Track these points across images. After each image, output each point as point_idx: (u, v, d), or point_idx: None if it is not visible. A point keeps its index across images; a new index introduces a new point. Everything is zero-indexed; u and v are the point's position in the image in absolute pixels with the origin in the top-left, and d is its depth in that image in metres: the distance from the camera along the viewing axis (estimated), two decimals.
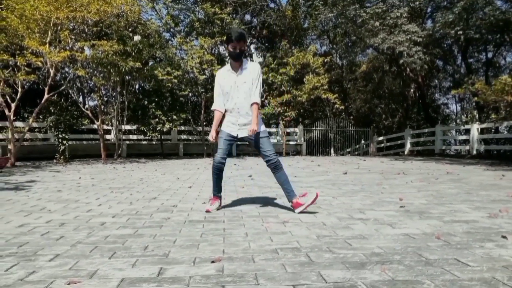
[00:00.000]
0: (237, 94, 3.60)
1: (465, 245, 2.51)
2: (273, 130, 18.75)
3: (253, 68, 3.65)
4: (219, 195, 3.82)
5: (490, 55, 21.66)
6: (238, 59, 3.60)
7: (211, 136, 3.63)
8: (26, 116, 14.36)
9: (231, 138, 3.66)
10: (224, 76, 3.68)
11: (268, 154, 3.58)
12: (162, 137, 15.28)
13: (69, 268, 2.11)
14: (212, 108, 3.77)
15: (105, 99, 15.00)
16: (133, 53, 12.61)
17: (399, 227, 3.04)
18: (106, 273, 2.04)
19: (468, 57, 21.30)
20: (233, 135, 3.65)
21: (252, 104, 3.58)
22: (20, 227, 3.08)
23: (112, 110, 13.93)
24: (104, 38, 12.39)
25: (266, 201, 4.24)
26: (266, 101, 16.10)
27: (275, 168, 3.61)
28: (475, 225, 3.10)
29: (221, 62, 15.63)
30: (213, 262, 2.20)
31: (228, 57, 3.79)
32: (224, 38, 15.74)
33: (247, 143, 3.76)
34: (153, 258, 2.28)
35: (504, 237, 2.69)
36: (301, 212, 3.54)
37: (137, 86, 16.21)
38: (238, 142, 3.80)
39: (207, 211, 3.65)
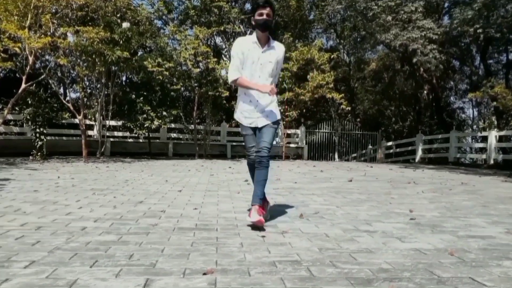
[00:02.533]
0: (259, 73, 3.46)
1: (481, 263, 2.52)
2: None
3: (280, 49, 3.56)
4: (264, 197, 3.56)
5: (511, 56, 21.79)
6: (265, 28, 3.41)
7: (269, 89, 3.36)
8: (0, 107, 14.32)
9: (254, 128, 3.54)
10: (248, 47, 3.47)
11: (265, 145, 3.43)
12: (150, 135, 15.28)
13: (46, 277, 2.10)
14: (231, 79, 3.49)
15: (89, 91, 14.97)
16: (121, 42, 12.60)
17: (409, 241, 3.05)
18: (87, 283, 2.03)
19: (487, 58, 21.42)
20: (254, 127, 3.54)
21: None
22: None
23: (96, 104, 13.90)
24: (90, 24, 12.37)
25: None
26: None
27: (263, 163, 3.43)
28: (492, 241, 3.11)
29: (218, 54, 15.66)
30: (204, 274, 2.20)
31: (249, 31, 3.61)
32: (222, 28, 15.58)
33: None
34: (139, 268, 2.28)
35: None
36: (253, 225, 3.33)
37: (124, 78, 16.23)
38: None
39: (260, 222, 3.26)
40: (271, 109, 3.54)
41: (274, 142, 17.48)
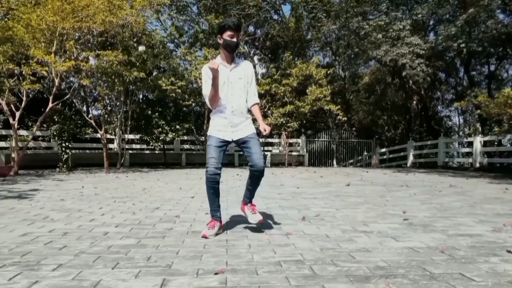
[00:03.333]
0: (231, 91, 3.23)
1: (470, 260, 2.49)
2: (275, 140, 18.78)
3: (248, 65, 3.37)
4: (219, 216, 3.27)
5: (492, 68, 21.75)
6: (233, 50, 3.27)
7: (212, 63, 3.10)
8: (30, 124, 14.45)
9: (223, 143, 3.23)
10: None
11: (258, 157, 3.17)
12: (165, 147, 15.33)
13: (72, 278, 2.11)
14: (205, 93, 3.22)
15: (109, 108, 15.08)
16: (138, 63, 12.72)
17: (403, 240, 3.02)
18: (109, 283, 2.03)
19: (470, 70, 21.36)
20: (227, 140, 3.23)
21: (253, 105, 3.32)
22: (23, 236, 3.08)
23: (116, 120, 13.99)
24: (109, 48, 12.52)
25: (269, 212, 4.22)
26: (269, 111, 16.15)
27: (260, 176, 3.23)
28: (480, 239, 3.08)
29: None
30: (216, 274, 2.19)
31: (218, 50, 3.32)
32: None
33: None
34: (156, 269, 2.28)
35: (509, 251, 2.67)
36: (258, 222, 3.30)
37: (140, 96, 16.32)
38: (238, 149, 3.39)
39: (204, 237, 3.08)
40: (245, 125, 3.28)
41: (277, 151, 17.41)
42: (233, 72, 3.26)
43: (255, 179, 3.27)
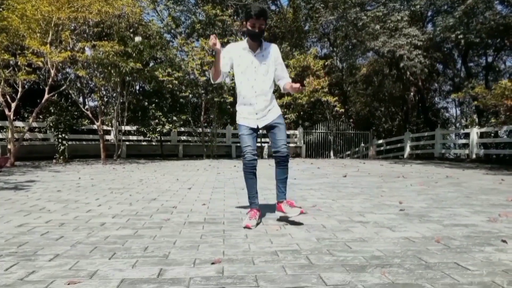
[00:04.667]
0: (255, 76, 3.22)
1: (465, 249, 2.51)
2: None
3: (274, 49, 3.32)
4: (257, 203, 3.30)
5: (490, 59, 21.74)
6: (256, 39, 3.21)
7: (213, 40, 3.14)
8: (26, 116, 14.40)
9: (253, 131, 3.26)
10: (239, 53, 3.27)
11: (281, 144, 3.21)
12: (162, 138, 15.31)
13: (69, 268, 2.11)
14: (211, 75, 3.33)
15: (105, 99, 15.02)
16: (134, 54, 12.64)
17: (399, 230, 3.04)
18: (106, 273, 2.04)
19: (468, 61, 21.36)
20: (253, 127, 3.25)
21: (286, 83, 3.31)
22: (19, 227, 3.08)
23: (112, 111, 13.94)
24: (105, 38, 12.42)
25: (266, 203, 4.23)
26: None
27: (283, 162, 3.23)
28: (475, 229, 3.10)
29: None
30: (213, 263, 2.20)
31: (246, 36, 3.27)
32: (225, 40, 15.60)
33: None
34: (153, 259, 2.28)
35: (503, 241, 2.69)
36: (280, 220, 3.33)
37: (137, 87, 16.25)
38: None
39: (246, 227, 3.06)
40: (270, 107, 3.30)
41: None
42: (258, 57, 3.24)
43: (280, 166, 3.26)
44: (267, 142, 17.81)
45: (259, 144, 16.11)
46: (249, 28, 3.15)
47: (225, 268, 2.11)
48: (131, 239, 2.72)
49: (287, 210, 3.20)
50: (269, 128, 3.30)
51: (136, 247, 2.53)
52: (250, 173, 3.24)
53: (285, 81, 3.36)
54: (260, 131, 3.37)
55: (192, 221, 3.34)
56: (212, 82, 3.44)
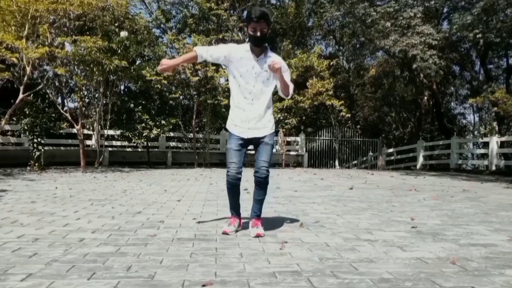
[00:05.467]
0: (254, 83, 3.36)
1: (483, 272, 2.51)
2: None
3: (278, 59, 3.44)
4: (239, 213, 3.62)
5: (511, 61, 21.87)
6: (258, 44, 3.33)
7: (162, 64, 3.42)
8: None
9: (242, 142, 3.43)
10: (241, 54, 3.39)
11: (263, 164, 3.39)
12: (149, 144, 15.28)
13: None
14: (194, 48, 3.54)
15: (87, 100, 15.01)
16: (119, 51, 12.65)
17: (411, 250, 3.04)
18: None
19: (487, 63, 21.51)
20: (243, 138, 3.42)
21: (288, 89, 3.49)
22: None
23: (94, 113, 13.93)
24: (88, 33, 12.43)
25: (263, 218, 4.22)
26: None
27: (262, 183, 3.44)
28: (494, 249, 3.10)
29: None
30: (204, 286, 2.19)
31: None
32: (220, 36, 15.66)
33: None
34: (137, 280, 2.27)
35: None
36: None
37: (122, 87, 16.26)
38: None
39: (224, 233, 3.41)
40: (265, 121, 3.44)
41: (274, 150, 17.52)
42: (260, 63, 3.38)
43: (257, 186, 3.49)
44: None
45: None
46: (250, 32, 3.27)
47: None
48: (113, 257, 2.71)
49: (250, 228, 3.51)
50: (257, 143, 3.47)
51: (118, 266, 2.52)
52: (232, 189, 3.50)
53: (289, 87, 3.53)
54: (249, 146, 3.54)
55: (181, 238, 3.33)
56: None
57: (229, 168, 3.40)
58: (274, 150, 3.66)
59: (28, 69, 11.06)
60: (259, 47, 3.36)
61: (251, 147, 3.57)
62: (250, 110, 3.39)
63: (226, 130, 3.56)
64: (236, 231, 3.50)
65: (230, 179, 3.41)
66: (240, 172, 3.40)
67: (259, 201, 3.54)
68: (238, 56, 3.39)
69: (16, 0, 10.46)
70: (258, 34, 3.25)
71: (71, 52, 11.82)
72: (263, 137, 3.43)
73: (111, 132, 15.25)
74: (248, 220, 3.65)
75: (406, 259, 2.78)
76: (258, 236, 3.34)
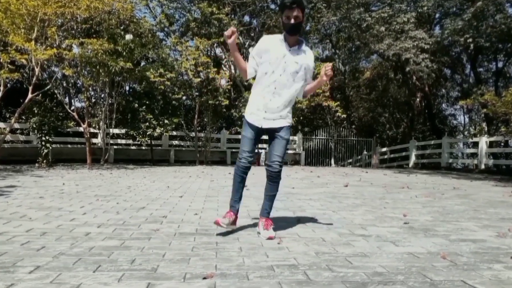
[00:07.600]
0: (281, 72, 3.11)
1: (473, 266, 2.52)
2: None
3: (310, 55, 3.22)
4: (237, 209, 3.31)
5: (500, 64, 21.91)
6: (292, 32, 3.09)
7: (229, 32, 3.08)
8: (8, 116, 14.34)
9: (256, 131, 3.21)
10: (274, 42, 3.16)
11: (277, 159, 3.18)
12: (153, 142, 15.26)
13: (51, 282, 2.09)
14: (246, 78, 3.33)
15: (93, 100, 14.99)
16: (124, 53, 12.64)
17: (403, 245, 3.04)
18: (90, 287, 2.02)
19: (477, 66, 21.51)
20: (257, 126, 3.19)
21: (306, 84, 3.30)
22: None
23: (100, 113, 13.91)
24: (94, 36, 12.43)
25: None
26: None
27: (275, 178, 3.24)
28: (483, 244, 3.11)
29: (217, 64, 15.67)
30: (204, 278, 2.19)
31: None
32: (222, 39, 15.67)
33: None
34: (141, 272, 2.27)
35: None
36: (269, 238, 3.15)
37: (127, 88, 16.23)
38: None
39: (216, 223, 3.16)
40: (282, 114, 3.20)
41: None
42: (292, 54, 3.13)
43: (270, 181, 3.29)
44: (264, 149, 17.83)
45: (256, 150, 16.07)
46: (284, 20, 3.07)
47: (218, 284, 2.11)
48: (118, 251, 2.71)
49: (260, 229, 3.25)
50: (272, 136, 3.25)
51: (122, 259, 2.52)
52: (240, 177, 3.28)
53: (306, 85, 3.32)
54: (263, 136, 3.35)
55: (183, 232, 3.33)
56: (245, 79, 3.37)
57: (240, 155, 3.23)
58: None
59: (37, 70, 11.04)
60: (294, 35, 3.12)
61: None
62: (270, 100, 3.15)
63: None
64: (227, 225, 3.17)
65: (241, 166, 3.23)
66: (251, 161, 3.22)
67: (270, 197, 3.31)
68: (271, 44, 3.17)
69: (26, 3, 10.43)
70: (292, 21, 3.03)
71: (78, 54, 11.81)
72: (279, 130, 3.21)
73: (116, 130, 15.22)
74: (248, 219, 3.64)
75: (398, 253, 2.78)
76: (270, 238, 3.11)
